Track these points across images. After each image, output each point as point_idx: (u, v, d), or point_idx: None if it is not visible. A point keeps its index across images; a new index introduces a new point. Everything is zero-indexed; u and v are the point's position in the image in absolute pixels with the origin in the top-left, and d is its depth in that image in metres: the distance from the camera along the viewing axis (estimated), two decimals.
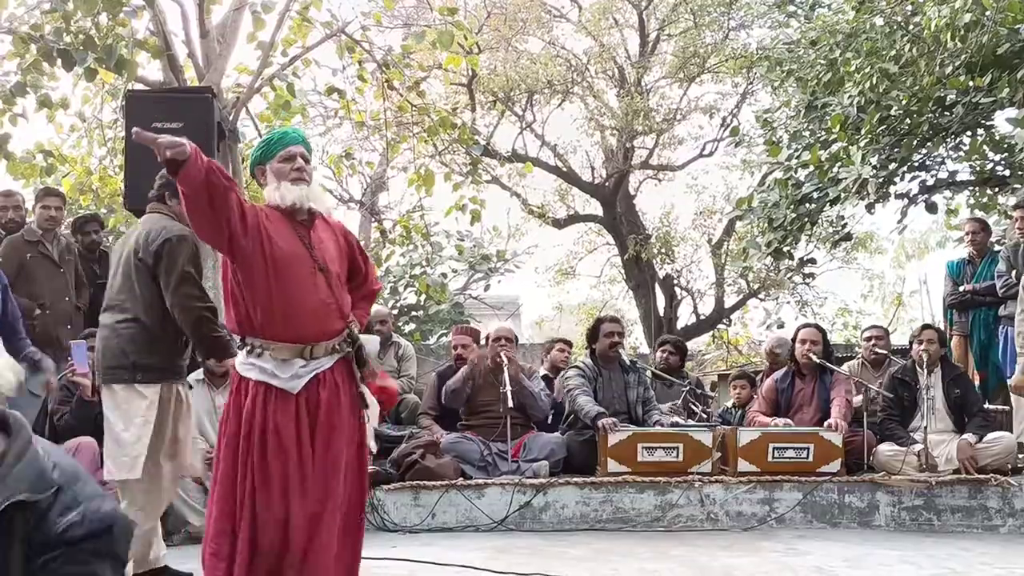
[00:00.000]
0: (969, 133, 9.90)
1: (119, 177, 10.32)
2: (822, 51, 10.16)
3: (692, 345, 15.95)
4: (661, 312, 19.18)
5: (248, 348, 3.81)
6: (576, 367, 7.72)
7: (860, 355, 8.38)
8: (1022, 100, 8.82)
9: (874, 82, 9.27)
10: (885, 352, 8.11)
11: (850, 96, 9.56)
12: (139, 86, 9.12)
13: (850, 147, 9.29)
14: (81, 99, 11.05)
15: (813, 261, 12.34)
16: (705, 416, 8.12)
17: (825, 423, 7.25)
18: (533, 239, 30.84)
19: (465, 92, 17.21)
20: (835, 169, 9.48)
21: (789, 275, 18.04)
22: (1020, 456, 7.23)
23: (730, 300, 20.19)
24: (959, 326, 8.82)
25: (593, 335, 7.85)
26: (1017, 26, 8.76)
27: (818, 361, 7.59)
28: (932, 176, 10.25)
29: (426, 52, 13.28)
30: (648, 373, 8.35)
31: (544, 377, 8.30)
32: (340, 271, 3.98)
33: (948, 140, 9.92)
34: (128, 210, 8.18)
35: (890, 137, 9.45)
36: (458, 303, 16.42)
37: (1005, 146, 9.85)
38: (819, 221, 10.64)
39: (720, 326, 20.33)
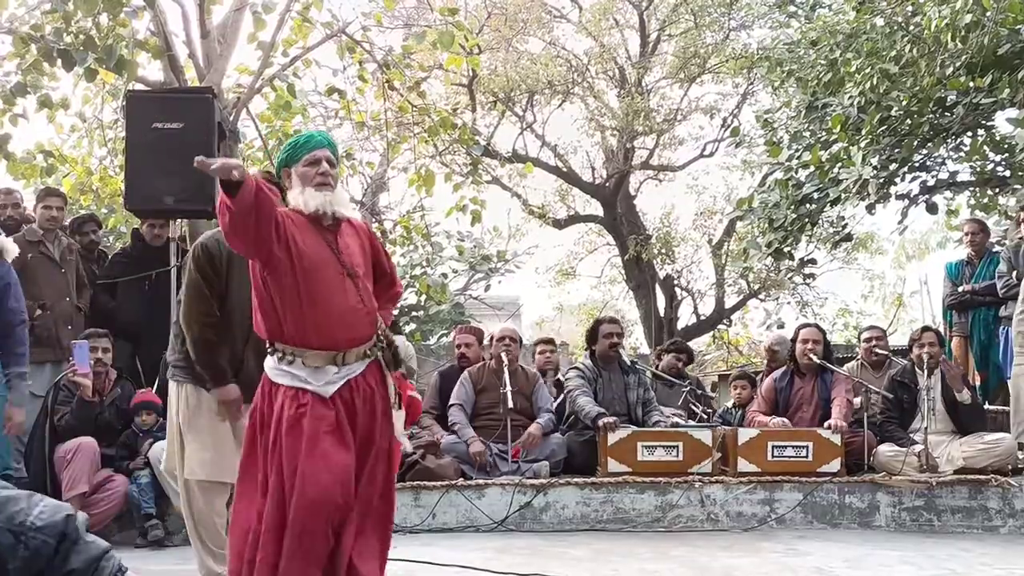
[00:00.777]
0: (970, 134, 9.90)
1: (119, 177, 10.31)
2: (823, 51, 10.16)
3: (692, 345, 15.95)
4: (661, 312, 19.18)
5: (279, 355, 3.78)
6: (576, 368, 7.72)
7: (860, 356, 8.38)
8: (1022, 101, 8.82)
9: (875, 82, 9.28)
10: (885, 353, 8.11)
11: (851, 96, 9.56)
12: (140, 86, 9.11)
13: (851, 147, 9.29)
14: (81, 99, 11.05)
15: (813, 261, 12.34)
16: (706, 416, 8.13)
17: (825, 423, 7.25)
18: (533, 239, 30.83)
19: (465, 92, 17.21)
20: (836, 169, 9.48)
21: (789, 275, 18.04)
22: (1020, 456, 7.23)
23: (730, 300, 20.20)
24: (959, 327, 8.83)
25: (592, 336, 7.85)
26: (1018, 27, 8.76)
27: (818, 361, 7.60)
28: (933, 177, 10.25)
29: (427, 52, 13.28)
30: (648, 374, 8.35)
31: (556, 382, 8.28)
32: (367, 275, 3.95)
33: (949, 141, 9.93)
34: (128, 210, 8.18)
35: (891, 138, 9.45)
36: (458, 303, 16.41)
37: (1005, 147, 9.85)
38: (819, 221, 10.64)
39: (720, 326, 20.34)
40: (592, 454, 7.17)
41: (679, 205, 33.05)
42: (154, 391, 6.88)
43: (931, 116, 9.30)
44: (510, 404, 7.14)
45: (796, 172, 10.29)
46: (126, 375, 7.00)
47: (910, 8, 9.66)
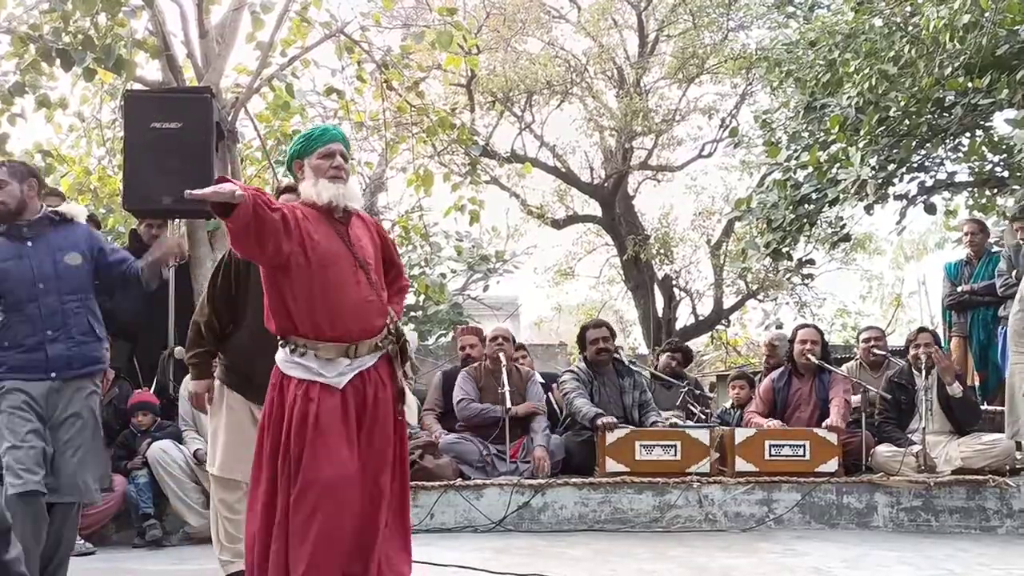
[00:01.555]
0: (968, 134, 9.92)
1: (118, 177, 10.29)
2: (821, 52, 10.17)
3: (691, 346, 15.95)
4: (660, 313, 19.18)
5: (291, 347, 3.81)
6: (570, 371, 7.72)
7: (858, 356, 8.38)
8: (1021, 101, 8.82)
9: (873, 83, 9.28)
10: (883, 353, 8.11)
11: (849, 97, 9.57)
12: (138, 86, 9.10)
13: (849, 148, 9.30)
14: (80, 99, 11.04)
15: (812, 262, 12.34)
16: (704, 417, 8.13)
17: (824, 423, 7.25)
18: (532, 240, 30.83)
19: (464, 92, 17.22)
20: (834, 170, 9.49)
21: (788, 276, 18.05)
22: (1018, 457, 7.23)
23: (729, 301, 20.20)
24: (958, 327, 8.83)
25: (581, 342, 7.85)
26: (1016, 27, 8.77)
27: (816, 362, 7.60)
28: (931, 177, 10.26)
29: (425, 52, 13.27)
30: (647, 374, 8.34)
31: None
32: (378, 267, 3.99)
33: (947, 141, 9.94)
34: (127, 210, 8.17)
35: (889, 138, 9.46)
36: (457, 304, 16.40)
37: (1004, 147, 9.86)
38: (818, 222, 10.64)
39: (719, 327, 20.34)
40: (590, 454, 7.16)
41: (677, 205, 33.01)
42: (152, 391, 6.89)
43: (929, 117, 9.31)
44: (508, 403, 7.14)
45: (794, 172, 10.29)
46: (124, 375, 7.00)
47: (908, 9, 9.67)
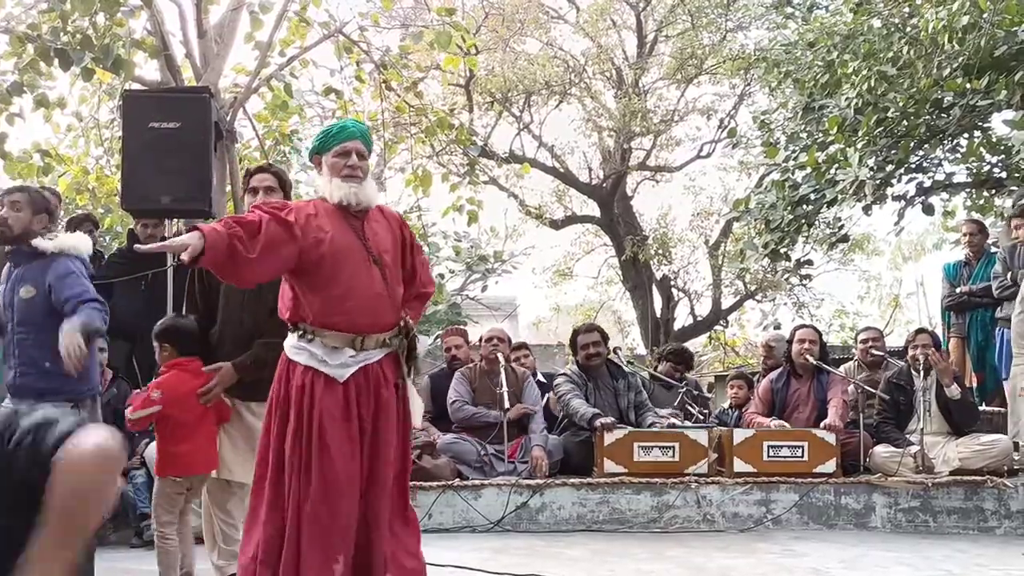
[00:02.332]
0: (966, 135, 9.92)
1: (116, 177, 10.30)
2: (820, 53, 10.18)
3: (689, 346, 15.95)
4: (658, 313, 19.19)
5: (300, 332, 3.81)
6: (564, 375, 7.70)
7: (856, 357, 8.38)
8: (1019, 102, 8.83)
9: (871, 84, 9.29)
10: (881, 354, 8.12)
11: (847, 98, 9.57)
12: (136, 86, 9.11)
13: (847, 149, 9.30)
14: (78, 99, 11.04)
15: (810, 263, 12.35)
16: (702, 417, 8.12)
17: (822, 424, 7.26)
18: (531, 240, 30.87)
19: (462, 93, 17.22)
20: (832, 171, 9.49)
21: (786, 276, 18.05)
22: (1016, 457, 7.24)
23: (727, 301, 20.22)
24: (956, 328, 8.83)
25: (573, 347, 7.84)
26: (1014, 28, 8.78)
27: (814, 362, 7.60)
28: (929, 178, 10.26)
29: (424, 53, 13.28)
30: (644, 374, 8.33)
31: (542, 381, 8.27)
32: (394, 263, 3.96)
33: (945, 142, 9.95)
34: (125, 210, 8.17)
35: (887, 139, 9.46)
36: (455, 304, 16.40)
37: (1002, 148, 9.86)
38: (816, 223, 10.65)
39: (717, 327, 20.34)
40: (588, 455, 7.16)
41: (676, 206, 33.09)
42: None
43: (928, 117, 9.31)
44: (506, 404, 7.14)
45: (793, 173, 10.30)
46: (122, 375, 6.98)
47: (907, 10, 9.68)
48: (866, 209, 10.00)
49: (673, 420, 7.71)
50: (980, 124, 9.67)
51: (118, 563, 5.70)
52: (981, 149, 9.90)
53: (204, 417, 4.62)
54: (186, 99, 7.29)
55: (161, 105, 7.11)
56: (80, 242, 5.08)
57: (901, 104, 9.26)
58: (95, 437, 1.94)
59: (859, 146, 9.29)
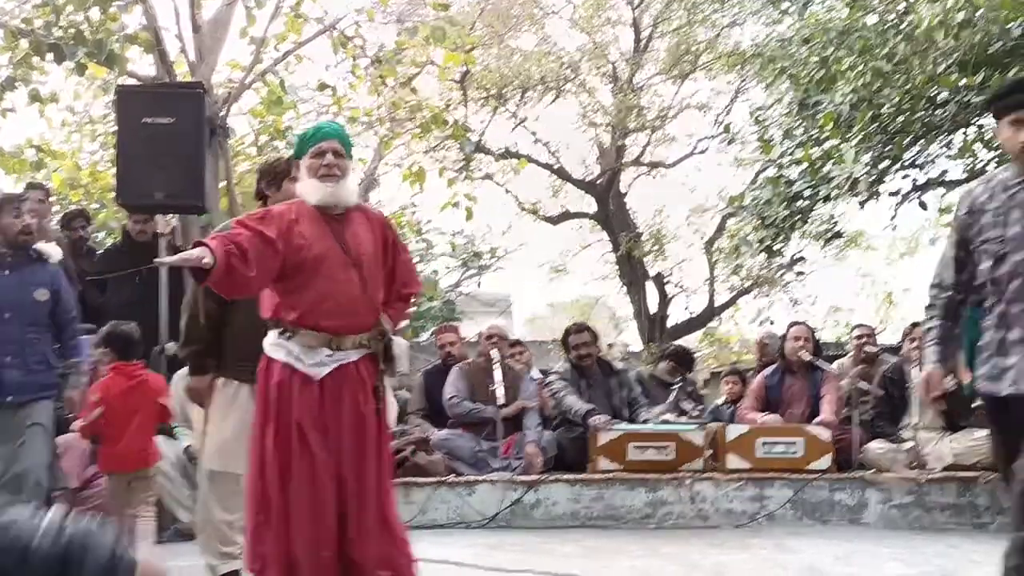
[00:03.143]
0: (961, 131, 9.92)
1: (110, 172, 10.29)
2: (815, 49, 10.16)
3: (684, 342, 15.94)
4: (653, 310, 19.17)
5: (280, 329, 3.86)
6: (556, 373, 7.70)
7: (850, 353, 8.38)
8: None
9: (867, 80, 9.28)
10: (875, 350, 8.11)
11: (843, 94, 9.56)
12: (130, 81, 9.08)
13: (842, 145, 9.29)
14: (72, 94, 11.02)
15: (803, 259, 12.34)
16: (697, 414, 8.12)
17: (815, 420, 7.26)
18: (526, 236, 30.87)
19: (458, 88, 17.18)
20: (827, 167, 9.48)
21: (781, 273, 18.04)
22: None
23: (722, 298, 20.19)
24: None
25: (565, 346, 7.84)
26: (1009, 25, 8.77)
27: (808, 358, 7.60)
28: (924, 174, 10.26)
29: (419, 48, 13.26)
30: (639, 371, 8.31)
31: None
32: (374, 265, 3.99)
33: (940, 138, 9.94)
34: (120, 205, 8.15)
35: (882, 135, 9.45)
36: (450, 300, 16.43)
37: (996, 145, 9.86)
38: (811, 219, 10.64)
39: (712, 324, 20.33)
40: (583, 451, 7.16)
41: (671, 202, 33.05)
42: None
43: (923, 114, 9.31)
44: (501, 401, 7.13)
45: (788, 169, 10.29)
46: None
47: (902, 6, 9.67)
48: (861, 203, 9.99)
49: (667, 416, 7.71)
50: (974, 121, 9.66)
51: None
52: (976, 145, 9.90)
53: (137, 416, 4.98)
54: (180, 94, 7.28)
55: (155, 100, 7.10)
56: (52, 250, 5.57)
57: (896, 100, 9.25)
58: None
59: (854, 142, 9.28)
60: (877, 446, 7.20)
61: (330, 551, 3.74)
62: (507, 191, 19.19)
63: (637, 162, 19.49)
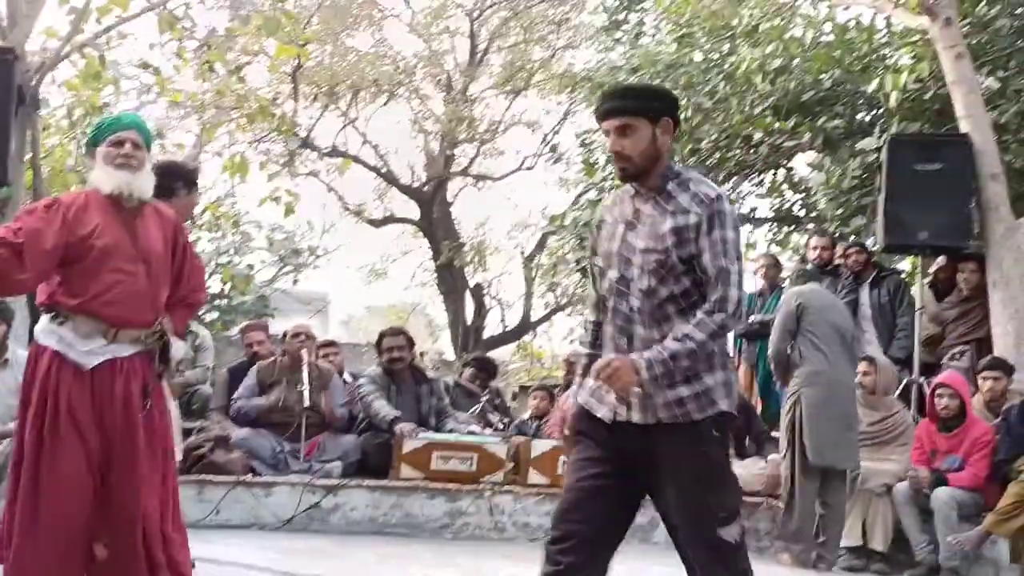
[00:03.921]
0: (772, 172, 10.43)
1: None
2: (642, 79, 10.48)
3: (496, 354, 16.12)
4: (469, 320, 19.32)
5: (53, 315, 3.74)
6: (367, 376, 7.65)
7: None
8: (820, 146, 9.33)
9: (688, 115, 9.64)
10: None
11: None
12: None
13: None
14: None
15: None
16: (502, 426, 8.20)
17: None
18: (348, 237, 30.60)
19: (289, 82, 16.89)
20: None
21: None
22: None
23: (537, 313, 20.52)
24: (747, 355, 9.22)
25: (378, 349, 7.80)
26: (820, 76, 9.29)
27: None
28: (736, 210, 10.72)
29: (251, 37, 12.97)
30: (450, 381, 8.35)
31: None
32: (162, 264, 3.91)
33: (752, 177, 10.42)
34: None
35: (700, 169, 9.84)
36: (263, 296, 16.09)
37: (802, 188, 10.42)
38: None
39: (525, 338, 20.63)
40: (386, 457, 7.11)
41: (494, 215, 33.40)
42: None
43: (738, 152, 9.75)
44: (307, 402, 7.02)
45: (609, 193, 10.56)
46: None
47: (726, 47, 10.10)
48: None
49: (473, 427, 7.76)
50: (784, 163, 10.18)
51: None
52: (784, 186, 10.43)
53: None
54: None
55: None
56: None
57: (714, 137, 9.65)
58: None
59: None
60: None
61: (79, 544, 3.65)
62: (331, 190, 19.01)
63: (465, 172, 19.63)
